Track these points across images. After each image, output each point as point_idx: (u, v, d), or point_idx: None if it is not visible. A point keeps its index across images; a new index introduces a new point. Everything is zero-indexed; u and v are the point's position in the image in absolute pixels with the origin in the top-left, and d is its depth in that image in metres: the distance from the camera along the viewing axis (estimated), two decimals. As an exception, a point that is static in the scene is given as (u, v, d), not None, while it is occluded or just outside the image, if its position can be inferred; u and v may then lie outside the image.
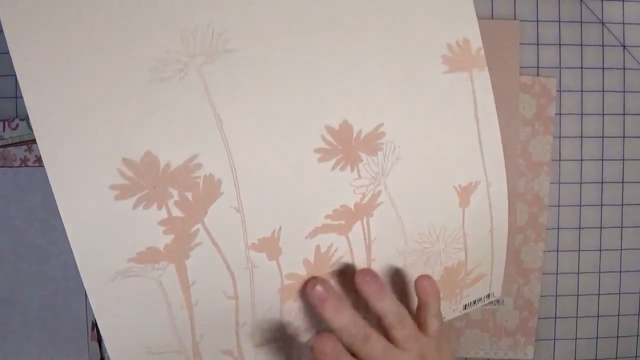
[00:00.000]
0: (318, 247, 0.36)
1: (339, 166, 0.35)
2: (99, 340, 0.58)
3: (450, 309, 0.44)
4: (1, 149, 0.57)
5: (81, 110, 0.28)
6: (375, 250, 0.38)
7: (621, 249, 0.58)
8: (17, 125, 0.58)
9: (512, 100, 0.56)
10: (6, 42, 0.29)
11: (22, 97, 0.61)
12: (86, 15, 0.28)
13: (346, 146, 0.35)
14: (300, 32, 0.32)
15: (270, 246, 0.34)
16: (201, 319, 0.34)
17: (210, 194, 0.32)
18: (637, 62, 0.57)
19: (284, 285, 0.36)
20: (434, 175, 0.38)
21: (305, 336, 0.39)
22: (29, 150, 0.57)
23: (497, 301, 0.53)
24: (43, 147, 0.28)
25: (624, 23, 0.57)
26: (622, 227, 0.58)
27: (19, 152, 0.57)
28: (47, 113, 0.28)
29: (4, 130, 0.58)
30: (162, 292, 0.33)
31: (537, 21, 0.57)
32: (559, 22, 0.57)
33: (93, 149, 0.29)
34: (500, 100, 0.52)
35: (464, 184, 0.40)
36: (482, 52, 0.38)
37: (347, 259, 0.37)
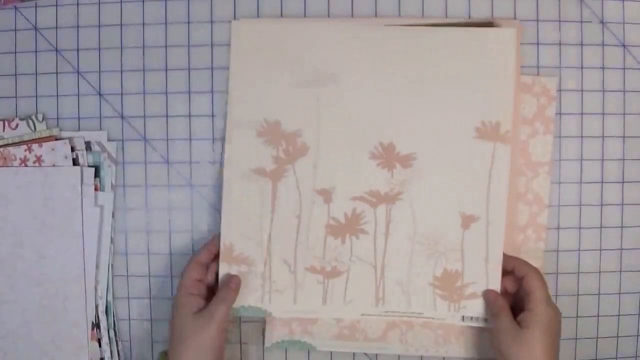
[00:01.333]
0: (355, 209, 0.54)
1: (380, 166, 0.54)
2: (99, 340, 0.58)
3: (449, 312, 0.54)
4: (1, 149, 0.57)
5: (253, 96, 0.54)
6: (391, 228, 0.54)
7: (621, 249, 0.58)
8: (17, 125, 0.58)
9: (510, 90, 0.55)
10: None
11: (22, 97, 0.61)
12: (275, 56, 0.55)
13: (388, 157, 0.54)
14: (385, 81, 0.53)
15: (326, 195, 0.54)
16: (277, 224, 0.54)
17: (301, 152, 0.54)
18: (637, 62, 0.57)
19: (329, 224, 0.54)
20: (445, 197, 0.53)
21: (339, 280, 0.54)
22: (29, 150, 0.57)
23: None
24: (232, 104, 0.54)
25: (624, 23, 0.57)
26: (622, 227, 0.58)
27: (19, 152, 0.57)
28: (240, 95, 0.54)
29: (4, 130, 0.58)
30: (261, 197, 0.54)
31: (537, 21, 0.57)
32: (559, 22, 0.57)
33: (252, 114, 0.54)
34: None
35: (467, 213, 0.53)
36: (510, 133, 0.52)
37: (371, 225, 0.54)
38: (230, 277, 0.54)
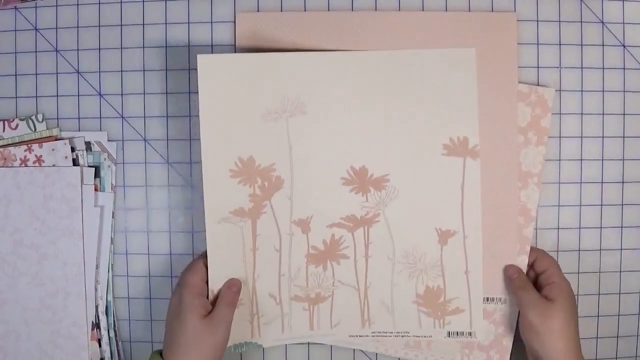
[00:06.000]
0: (333, 235, 0.55)
1: (354, 191, 0.54)
2: (99, 340, 0.58)
3: (435, 329, 0.56)
4: (1, 149, 0.57)
5: (225, 136, 0.53)
6: (371, 250, 0.55)
7: (621, 249, 0.58)
8: (17, 125, 0.58)
9: (509, 99, 0.55)
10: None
11: (22, 97, 0.61)
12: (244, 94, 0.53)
13: (361, 181, 0.54)
14: (352, 106, 0.53)
15: (304, 225, 0.55)
16: (260, 261, 0.55)
17: (276, 186, 0.54)
18: (637, 62, 0.57)
19: (309, 253, 0.55)
20: (421, 215, 0.54)
21: (324, 305, 0.56)
22: (29, 150, 0.57)
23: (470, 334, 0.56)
24: (204, 149, 0.53)
25: (624, 23, 0.57)
26: (622, 227, 0.58)
27: (19, 152, 0.57)
28: (212, 136, 0.53)
29: (4, 130, 0.58)
30: (241, 235, 0.54)
31: (537, 21, 0.57)
32: (559, 22, 0.57)
33: (225, 152, 0.53)
34: (497, 101, 0.56)
35: (444, 228, 0.54)
36: (478, 147, 0.53)
37: (350, 250, 0.55)
38: (232, 281, 0.54)
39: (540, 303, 0.51)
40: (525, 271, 0.55)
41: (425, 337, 0.56)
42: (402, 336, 0.56)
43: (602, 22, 0.57)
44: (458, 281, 0.55)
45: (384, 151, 0.54)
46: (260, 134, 0.53)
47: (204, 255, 0.54)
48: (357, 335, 0.56)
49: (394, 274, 0.55)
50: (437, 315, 0.55)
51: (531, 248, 0.55)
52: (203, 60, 0.52)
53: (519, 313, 0.53)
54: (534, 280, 0.54)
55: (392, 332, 0.56)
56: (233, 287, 0.53)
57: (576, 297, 0.57)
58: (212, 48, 0.57)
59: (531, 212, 0.56)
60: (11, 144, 0.57)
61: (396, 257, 0.55)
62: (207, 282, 0.53)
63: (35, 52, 0.58)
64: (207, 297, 0.53)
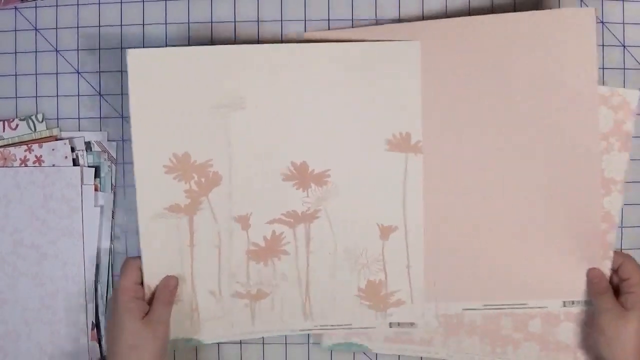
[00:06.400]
0: (274, 231, 0.54)
1: (295, 187, 0.54)
2: (99, 340, 0.58)
3: (376, 320, 0.56)
4: (1, 149, 0.57)
5: (159, 132, 0.52)
6: (312, 246, 0.55)
7: (621, 249, 0.58)
8: (17, 125, 0.58)
9: (591, 103, 0.53)
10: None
11: (22, 97, 0.61)
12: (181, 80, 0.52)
13: (302, 176, 0.54)
14: (292, 101, 0.53)
15: (243, 221, 0.54)
16: (197, 258, 0.54)
17: (214, 182, 0.53)
18: (637, 62, 0.57)
19: (249, 249, 0.54)
20: (362, 211, 0.54)
21: (266, 301, 0.55)
22: (29, 150, 0.57)
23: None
24: (136, 146, 0.52)
25: (624, 23, 0.57)
26: (622, 228, 0.58)
27: (19, 152, 0.57)
28: (144, 132, 0.52)
29: (4, 130, 0.58)
30: (177, 232, 0.53)
31: (537, 21, 0.57)
32: (559, 22, 0.57)
33: (159, 148, 0.52)
34: (577, 105, 0.53)
35: (385, 224, 0.54)
36: (421, 143, 0.53)
37: (292, 246, 0.55)
38: (167, 279, 0.53)
39: (616, 310, 0.51)
40: (608, 275, 0.54)
41: (366, 328, 0.56)
42: (344, 329, 0.56)
43: (602, 22, 0.57)
44: (400, 275, 0.55)
45: (325, 146, 0.53)
46: (197, 130, 0.52)
47: (139, 257, 0.53)
48: (299, 330, 0.56)
49: (336, 269, 0.55)
50: (379, 308, 0.55)
51: (617, 252, 0.54)
52: (134, 55, 0.51)
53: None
54: (616, 286, 0.54)
55: (333, 325, 0.56)
56: (169, 285, 0.53)
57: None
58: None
59: (614, 218, 0.55)
60: (11, 144, 0.57)
61: (337, 252, 0.55)
62: (140, 284, 0.52)
63: (35, 52, 0.58)
64: (144, 298, 0.52)
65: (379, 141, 0.53)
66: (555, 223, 0.54)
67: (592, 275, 0.54)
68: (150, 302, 0.52)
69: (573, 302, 0.55)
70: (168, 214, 0.53)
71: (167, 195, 0.53)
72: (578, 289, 0.55)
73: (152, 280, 0.53)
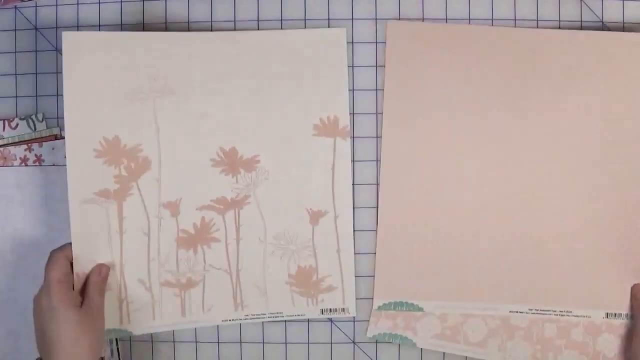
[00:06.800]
0: (203, 218, 0.55)
1: (224, 173, 0.54)
2: (99, 340, 0.58)
3: (308, 308, 0.56)
4: (1, 149, 0.57)
5: (90, 115, 0.53)
6: (242, 232, 0.55)
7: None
8: (17, 125, 0.58)
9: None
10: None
11: (22, 96, 0.61)
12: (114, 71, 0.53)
13: (231, 162, 0.54)
14: (221, 87, 0.54)
15: (173, 207, 0.54)
16: (127, 245, 0.54)
17: (143, 167, 0.54)
18: (637, 61, 0.57)
19: (179, 236, 0.55)
20: (292, 197, 0.55)
21: (195, 290, 0.55)
22: (29, 150, 0.57)
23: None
24: (68, 129, 0.52)
25: (624, 23, 0.57)
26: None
27: (19, 151, 0.57)
28: (76, 115, 0.53)
29: (4, 130, 0.58)
30: (107, 217, 0.53)
31: (537, 20, 0.57)
32: (559, 21, 0.57)
33: (90, 131, 0.53)
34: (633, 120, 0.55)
35: (315, 209, 0.55)
36: (348, 128, 0.55)
37: (221, 233, 0.55)
38: (99, 267, 0.53)
39: None
40: None
41: (298, 315, 0.56)
42: (276, 317, 0.56)
43: (602, 22, 0.57)
44: (330, 260, 0.56)
45: (254, 132, 0.54)
46: (127, 114, 0.53)
47: (64, 247, 0.52)
48: (230, 320, 0.56)
49: (266, 255, 0.55)
50: (311, 294, 0.56)
51: None
52: (68, 38, 0.52)
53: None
54: None
55: (265, 314, 0.56)
56: (100, 273, 0.52)
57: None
58: (212, 48, 0.57)
59: None
60: (11, 143, 0.57)
61: (267, 239, 0.55)
62: (71, 273, 0.51)
63: (35, 51, 0.58)
64: (73, 288, 0.51)
65: (307, 126, 0.54)
66: (603, 235, 0.55)
67: (636, 291, 0.54)
68: (81, 292, 0.51)
69: (616, 315, 0.55)
70: (98, 199, 0.53)
71: (97, 180, 0.53)
72: (622, 302, 0.55)
73: (82, 268, 0.53)
